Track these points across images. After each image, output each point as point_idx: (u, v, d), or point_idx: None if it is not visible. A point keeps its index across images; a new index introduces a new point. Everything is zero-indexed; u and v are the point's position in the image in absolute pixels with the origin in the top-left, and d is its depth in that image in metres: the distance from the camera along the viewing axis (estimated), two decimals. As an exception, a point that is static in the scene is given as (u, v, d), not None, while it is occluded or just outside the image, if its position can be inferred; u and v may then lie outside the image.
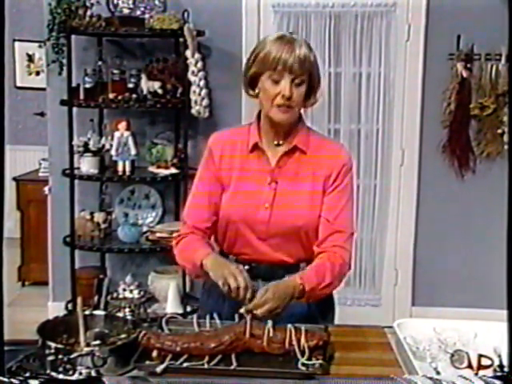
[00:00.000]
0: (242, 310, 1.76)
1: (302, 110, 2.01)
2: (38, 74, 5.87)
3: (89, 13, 3.81)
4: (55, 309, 4.11)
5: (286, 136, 1.97)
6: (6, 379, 1.45)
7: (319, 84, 1.96)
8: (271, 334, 1.70)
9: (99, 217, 4.06)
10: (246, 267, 1.99)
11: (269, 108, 1.90)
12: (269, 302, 1.75)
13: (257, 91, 1.94)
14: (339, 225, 1.95)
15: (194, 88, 3.85)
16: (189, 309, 3.90)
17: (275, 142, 1.97)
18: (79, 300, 1.84)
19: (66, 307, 4.07)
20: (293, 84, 1.86)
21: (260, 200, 1.96)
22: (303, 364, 1.64)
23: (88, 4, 3.84)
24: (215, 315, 1.86)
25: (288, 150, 1.96)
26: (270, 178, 1.96)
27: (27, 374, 1.54)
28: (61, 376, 1.55)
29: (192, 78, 3.84)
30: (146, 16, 3.87)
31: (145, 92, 3.87)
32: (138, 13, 3.96)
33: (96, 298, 3.95)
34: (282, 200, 1.95)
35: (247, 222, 1.97)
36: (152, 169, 4.00)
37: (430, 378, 1.52)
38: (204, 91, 3.87)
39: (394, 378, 1.56)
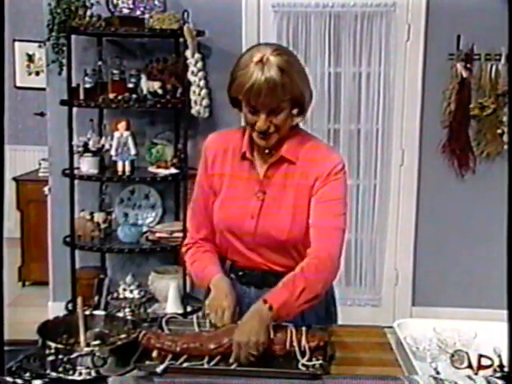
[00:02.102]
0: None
1: None
2: (37, 74, 5.87)
3: (89, 13, 3.81)
4: (55, 309, 4.11)
5: (275, 146, 1.91)
6: (10, 379, 1.46)
7: (306, 100, 1.88)
8: (272, 336, 1.70)
9: (99, 217, 4.06)
10: (240, 272, 2.00)
11: (250, 131, 1.89)
12: (243, 349, 1.65)
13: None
14: (322, 221, 1.87)
15: (193, 88, 3.85)
16: (189, 309, 3.90)
17: (266, 151, 1.93)
18: (79, 300, 1.84)
19: (67, 307, 4.07)
20: (271, 115, 1.81)
21: (247, 210, 1.92)
22: (303, 364, 1.64)
23: (88, 4, 3.84)
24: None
25: (275, 161, 1.92)
26: (258, 188, 1.92)
27: (27, 374, 1.55)
28: (62, 376, 1.55)
29: (192, 78, 3.84)
30: (146, 16, 3.86)
31: (145, 92, 3.87)
32: (138, 13, 3.96)
33: (96, 298, 3.95)
34: (267, 212, 1.91)
35: (234, 232, 1.95)
36: (152, 169, 4.00)
37: (434, 378, 1.52)
38: (204, 91, 3.87)
39: (397, 377, 1.57)
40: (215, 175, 1.97)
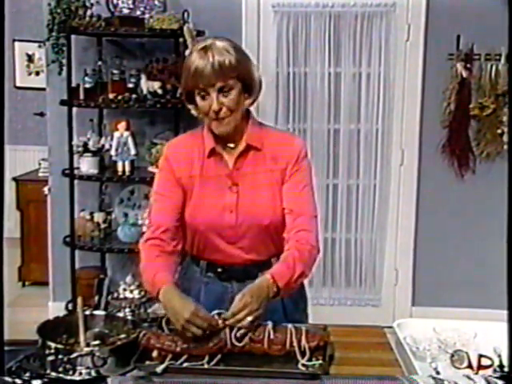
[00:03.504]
0: (220, 321, 1.72)
1: (252, 108, 2.00)
2: (37, 74, 5.87)
3: (89, 13, 3.81)
4: (55, 309, 4.11)
5: (237, 137, 1.96)
6: (10, 379, 1.46)
7: (254, 81, 1.92)
8: (272, 336, 1.70)
9: (99, 217, 4.06)
10: (219, 269, 2.01)
11: (208, 122, 1.91)
12: (248, 306, 1.71)
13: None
14: (300, 209, 1.94)
15: (193, 88, 3.85)
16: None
17: (228, 145, 1.97)
18: (79, 300, 1.84)
19: (67, 307, 4.07)
20: (220, 94, 1.84)
21: (224, 205, 1.95)
22: (303, 364, 1.64)
23: (88, 4, 3.84)
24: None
25: (242, 151, 1.96)
26: (230, 182, 1.95)
27: (27, 374, 1.55)
28: (61, 376, 1.55)
29: (192, 78, 3.83)
30: (146, 16, 3.86)
31: (144, 92, 3.87)
32: (138, 13, 3.96)
33: (96, 298, 3.95)
34: (245, 202, 1.95)
35: (214, 229, 1.96)
36: (152, 169, 3.99)
37: (434, 378, 1.52)
38: (204, 91, 3.87)
39: (397, 377, 1.57)
40: (183, 177, 1.97)
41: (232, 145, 1.96)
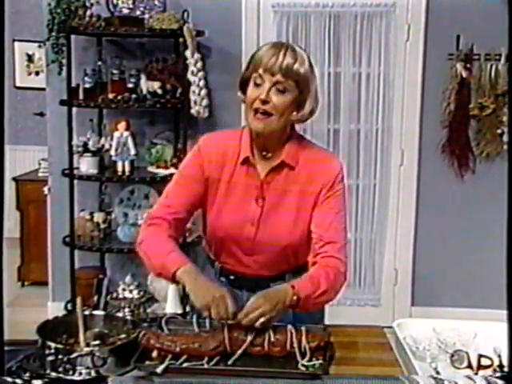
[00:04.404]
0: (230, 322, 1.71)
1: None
2: (37, 74, 5.87)
3: (88, 13, 3.81)
4: (55, 309, 4.11)
5: (274, 149, 1.91)
6: (10, 379, 1.45)
7: (309, 101, 1.86)
8: (272, 339, 1.70)
9: (99, 217, 4.06)
10: (232, 277, 2.00)
11: (248, 114, 1.85)
12: (261, 307, 1.69)
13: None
14: (330, 236, 1.87)
15: (193, 88, 3.85)
16: (188, 309, 3.89)
17: (263, 154, 1.92)
18: (79, 300, 1.84)
19: (66, 307, 4.07)
20: (274, 88, 1.80)
21: (247, 217, 1.92)
22: (303, 364, 1.64)
23: (88, 4, 3.84)
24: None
25: (276, 166, 1.90)
26: (257, 194, 1.91)
27: (27, 374, 1.55)
28: (61, 376, 1.55)
29: (191, 77, 3.84)
30: (146, 16, 3.87)
31: (144, 92, 3.87)
32: (138, 13, 3.96)
33: (96, 298, 3.95)
34: (268, 218, 1.91)
35: (233, 238, 1.94)
36: (151, 169, 4.00)
37: (434, 378, 1.52)
38: (203, 91, 3.87)
39: (397, 377, 1.57)
40: (211, 178, 1.93)
41: (267, 155, 1.91)
